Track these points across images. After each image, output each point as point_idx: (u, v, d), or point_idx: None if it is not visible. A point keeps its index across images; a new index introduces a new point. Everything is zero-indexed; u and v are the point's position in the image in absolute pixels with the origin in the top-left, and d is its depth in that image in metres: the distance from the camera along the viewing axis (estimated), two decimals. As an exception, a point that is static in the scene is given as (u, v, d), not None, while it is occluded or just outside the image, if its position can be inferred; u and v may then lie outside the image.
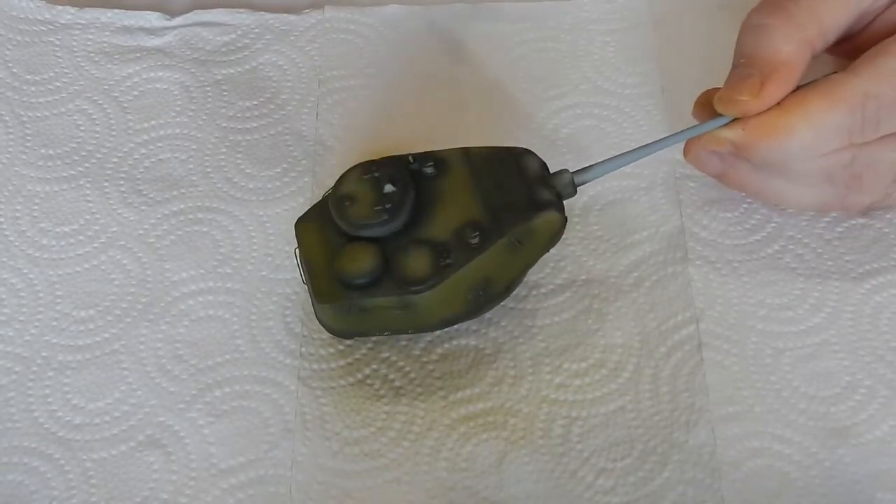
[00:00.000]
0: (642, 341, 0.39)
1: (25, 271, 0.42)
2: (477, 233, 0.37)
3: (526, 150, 0.39)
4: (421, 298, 0.37)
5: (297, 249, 0.39)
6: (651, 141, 0.40)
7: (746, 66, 0.38)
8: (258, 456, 0.38)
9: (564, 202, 0.39)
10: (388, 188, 0.37)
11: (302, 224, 0.39)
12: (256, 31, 0.49)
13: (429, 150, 0.39)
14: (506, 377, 0.39)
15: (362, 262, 0.37)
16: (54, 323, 0.41)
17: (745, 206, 0.42)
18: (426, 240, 0.37)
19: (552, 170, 0.39)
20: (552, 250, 0.40)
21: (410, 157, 0.38)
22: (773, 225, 0.42)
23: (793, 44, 0.37)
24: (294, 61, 0.48)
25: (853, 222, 0.42)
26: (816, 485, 0.36)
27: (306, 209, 0.40)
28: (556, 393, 0.39)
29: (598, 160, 0.40)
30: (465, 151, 0.38)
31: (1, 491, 0.37)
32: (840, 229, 0.42)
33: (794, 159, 0.38)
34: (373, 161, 0.38)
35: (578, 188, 0.39)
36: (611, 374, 0.39)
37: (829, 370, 0.38)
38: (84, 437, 0.38)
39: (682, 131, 0.39)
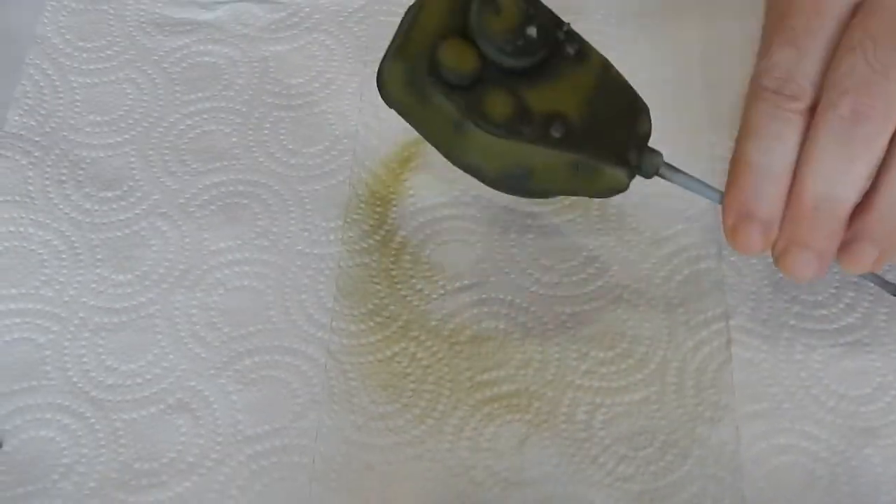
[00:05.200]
0: (670, 334, 0.39)
1: (68, 234, 0.43)
2: (563, 130, 0.37)
3: (647, 109, 0.38)
4: (476, 134, 0.36)
5: (413, 7, 0.38)
6: None
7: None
8: (284, 425, 0.38)
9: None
10: (531, 31, 0.36)
11: None
12: (306, 10, 0.49)
13: None
14: (532, 361, 0.39)
15: (465, 63, 0.36)
16: (93, 285, 0.42)
17: (782, 204, 0.42)
18: (519, 95, 0.36)
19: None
20: (586, 240, 0.41)
21: (564, 28, 0.37)
22: (809, 223, 0.42)
23: None
24: (341, 41, 0.48)
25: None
26: (842, 483, 0.36)
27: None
28: (582, 379, 0.39)
29: (693, 174, 0.39)
30: (607, 66, 0.38)
31: (32, 446, 0.38)
32: (878, 232, 0.41)
33: None
34: (536, 1, 0.37)
35: (651, 178, 0.38)
36: (637, 365, 0.39)
37: (860, 370, 0.38)
38: (115, 398, 0.39)
39: None
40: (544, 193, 0.39)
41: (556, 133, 0.36)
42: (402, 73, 0.37)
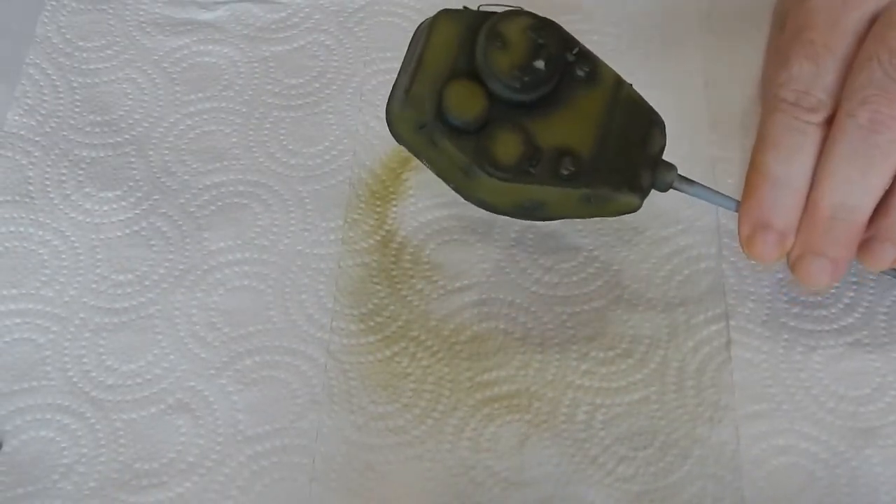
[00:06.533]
0: (670, 334, 0.39)
1: (68, 234, 0.43)
2: (572, 169, 0.36)
3: (662, 122, 0.38)
4: (485, 179, 0.36)
5: (420, 36, 0.37)
6: None
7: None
8: (284, 425, 0.38)
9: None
10: (539, 65, 0.36)
11: (445, 21, 0.37)
12: (306, 10, 0.49)
13: None
14: (532, 361, 0.39)
15: (471, 109, 0.36)
16: (93, 285, 0.42)
17: (782, 204, 0.42)
18: (528, 132, 0.36)
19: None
20: (586, 240, 0.41)
21: (575, 51, 0.37)
22: (809, 224, 0.42)
23: None
24: (341, 41, 0.48)
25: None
26: (842, 484, 0.36)
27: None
28: (582, 379, 0.39)
29: (706, 184, 0.39)
30: (619, 84, 0.37)
31: (32, 446, 0.38)
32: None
33: None
34: (545, 23, 0.37)
35: (666, 191, 0.38)
36: (637, 365, 0.39)
37: (860, 370, 0.38)
38: (115, 398, 0.39)
39: None
40: (559, 218, 0.39)
41: (565, 171, 0.36)
42: (411, 119, 0.37)
